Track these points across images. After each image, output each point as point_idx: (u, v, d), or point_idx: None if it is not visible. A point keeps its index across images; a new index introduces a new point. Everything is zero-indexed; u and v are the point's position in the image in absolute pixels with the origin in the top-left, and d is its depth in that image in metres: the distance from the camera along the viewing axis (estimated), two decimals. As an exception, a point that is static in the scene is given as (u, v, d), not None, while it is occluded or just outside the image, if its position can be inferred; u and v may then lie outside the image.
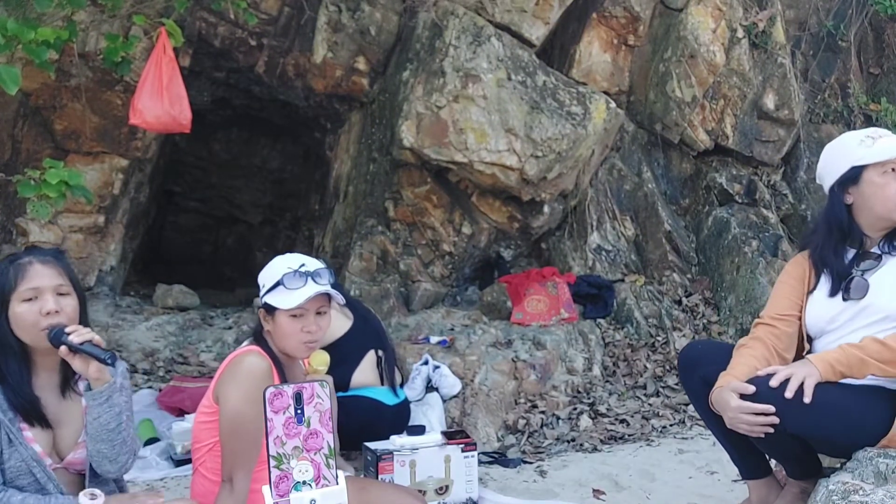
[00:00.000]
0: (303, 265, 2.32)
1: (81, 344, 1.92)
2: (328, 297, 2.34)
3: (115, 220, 5.16)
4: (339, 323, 3.49)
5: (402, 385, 3.75)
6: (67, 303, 2.01)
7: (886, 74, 6.00)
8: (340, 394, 3.37)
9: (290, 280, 2.28)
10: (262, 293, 2.35)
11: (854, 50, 5.90)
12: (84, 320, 2.06)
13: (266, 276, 2.35)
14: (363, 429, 3.26)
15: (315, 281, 2.29)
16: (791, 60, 5.64)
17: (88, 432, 1.99)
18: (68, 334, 1.93)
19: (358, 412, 3.34)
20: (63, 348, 1.93)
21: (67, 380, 2.05)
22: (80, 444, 2.03)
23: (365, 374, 3.50)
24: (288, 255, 2.42)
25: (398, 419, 3.51)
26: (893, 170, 2.37)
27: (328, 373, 3.19)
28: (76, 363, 1.94)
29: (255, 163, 6.87)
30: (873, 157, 2.37)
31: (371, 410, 3.42)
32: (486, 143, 4.72)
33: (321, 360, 2.82)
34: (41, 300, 1.97)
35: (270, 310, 2.32)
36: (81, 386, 2.03)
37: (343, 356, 3.43)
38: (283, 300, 2.28)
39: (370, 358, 3.54)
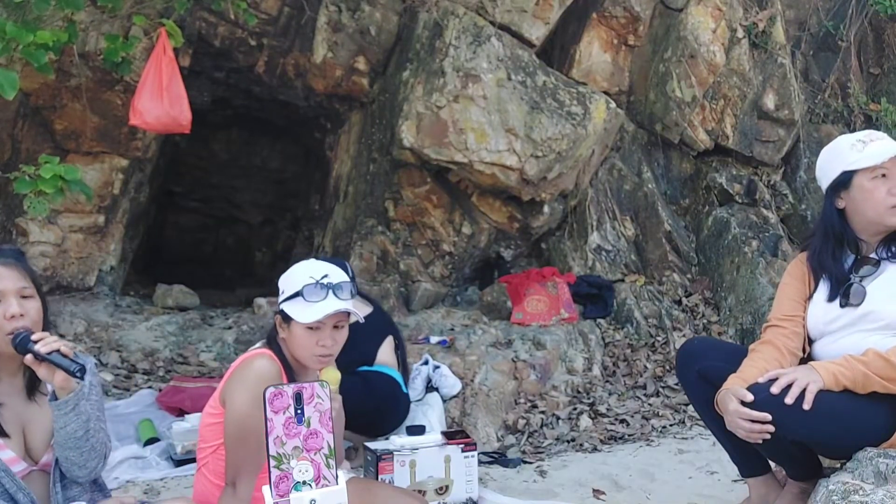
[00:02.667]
0: (325, 276, 2.23)
1: (49, 354, 1.84)
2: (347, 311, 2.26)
3: (114, 220, 5.16)
4: (360, 308, 3.50)
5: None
6: (31, 306, 1.93)
7: (886, 74, 5.99)
8: (365, 367, 3.43)
9: (310, 293, 2.19)
10: (280, 299, 2.28)
11: (854, 50, 5.89)
12: (46, 322, 1.99)
13: (286, 283, 2.27)
14: (381, 406, 3.33)
15: (336, 295, 2.20)
16: (791, 60, 5.64)
17: (56, 440, 1.92)
18: (35, 342, 1.85)
19: (380, 388, 3.38)
20: (29, 356, 1.85)
21: (34, 382, 1.98)
22: (52, 447, 1.96)
23: (386, 353, 3.56)
24: (312, 262, 2.34)
25: (407, 409, 3.59)
26: (884, 175, 2.35)
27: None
28: (41, 371, 1.87)
29: (255, 163, 6.88)
30: (863, 162, 2.35)
31: (392, 389, 3.46)
32: (486, 143, 4.71)
33: (332, 377, 2.79)
34: (4, 303, 1.89)
35: (287, 318, 2.24)
36: (49, 388, 1.94)
37: (366, 335, 3.39)
38: (300, 313, 2.19)
39: (390, 341, 3.60)
